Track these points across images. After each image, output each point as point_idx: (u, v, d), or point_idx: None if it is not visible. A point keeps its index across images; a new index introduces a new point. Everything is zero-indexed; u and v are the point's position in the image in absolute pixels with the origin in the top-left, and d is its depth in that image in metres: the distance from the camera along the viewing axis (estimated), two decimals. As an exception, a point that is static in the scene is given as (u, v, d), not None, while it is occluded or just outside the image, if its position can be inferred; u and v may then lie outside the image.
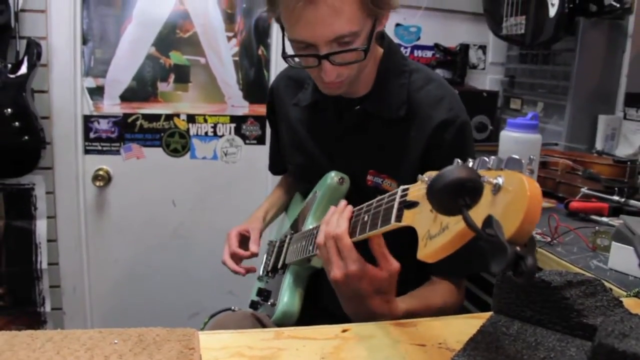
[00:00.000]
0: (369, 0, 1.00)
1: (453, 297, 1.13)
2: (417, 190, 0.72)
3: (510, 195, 0.52)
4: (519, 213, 0.50)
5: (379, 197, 0.86)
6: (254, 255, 1.37)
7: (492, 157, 0.58)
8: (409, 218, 0.72)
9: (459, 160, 0.63)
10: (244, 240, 1.40)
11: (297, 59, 1.11)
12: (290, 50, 1.09)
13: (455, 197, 0.54)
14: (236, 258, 1.37)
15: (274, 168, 1.60)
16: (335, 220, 0.93)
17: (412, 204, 0.72)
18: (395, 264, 0.89)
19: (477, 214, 0.54)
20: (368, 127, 1.19)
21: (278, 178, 1.64)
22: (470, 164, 0.60)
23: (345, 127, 1.22)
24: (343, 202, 0.98)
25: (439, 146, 1.12)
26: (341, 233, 0.90)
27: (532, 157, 0.55)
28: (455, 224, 0.59)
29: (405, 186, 0.77)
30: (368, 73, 1.17)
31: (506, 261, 0.49)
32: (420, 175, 0.71)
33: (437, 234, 0.62)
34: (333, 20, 0.98)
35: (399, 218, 0.75)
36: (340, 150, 1.23)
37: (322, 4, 0.96)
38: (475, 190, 0.54)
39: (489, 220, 0.52)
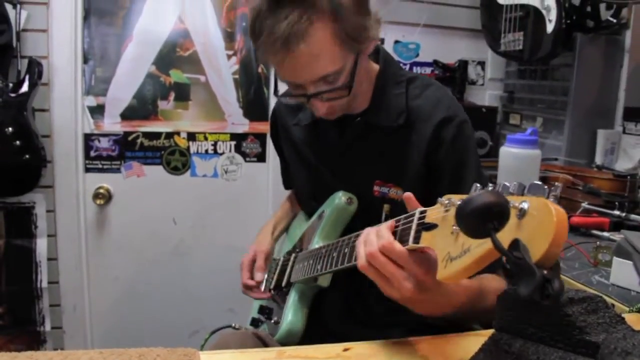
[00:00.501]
0: (348, 38, 1.01)
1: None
2: (435, 213, 0.73)
3: (536, 220, 0.54)
4: (547, 237, 0.52)
5: (396, 218, 0.84)
6: (259, 283, 1.38)
7: (514, 182, 0.61)
8: (427, 240, 0.73)
9: (478, 185, 0.65)
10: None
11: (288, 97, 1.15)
12: (282, 86, 1.14)
13: (484, 221, 0.55)
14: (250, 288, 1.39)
15: (286, 183, 1.59)
16: (374, 236, 0.83)
17: (431, 226, 0.72)
18: None
19: (503, 238, 0.55)
20: (370, 138, 1.19)
21: (279, 195, 1.64)
22: (490, 188, 0.61)
23: (347, 141, 1.22)
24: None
25: (439, 146, 1.12)
26: (388, 243, 0.79)
27: (556, 184, 0.58)
28: (477, 247, 0.60)
29: (423, 208, 0.77)
30: (365, 90, 1.19)
31: (535, 284, 0.50)
32: (440, 199, 0.71)
33: (458, 256, 0.63)
34: (314, 65, 1.01)
35: (416, 240, 0.75)
36: (345, 164, 1.24)
37: (300, 53, 0.98)
38: (503, 214, 0.56)
39: (515, 244, 0.54)
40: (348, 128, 1.21)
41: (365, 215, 1.16)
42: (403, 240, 0.78)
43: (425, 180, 1.14)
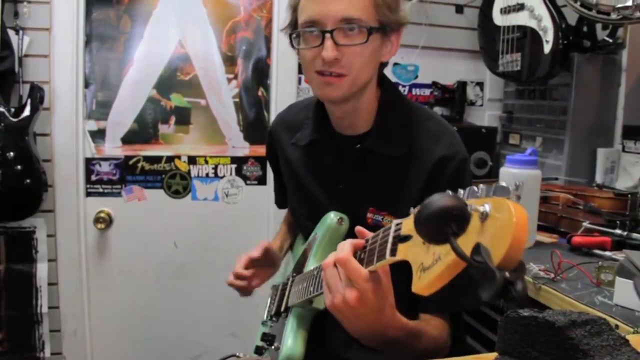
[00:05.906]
0: (383, 4, 1.06)
1: (444, 332, 1.10)
2: (409, 224, 0.72)
3: (498, 222, 0.53)
4: (506, 239, 0.51)
5: (374, 234, 0.85)
6: (257, 258, 1.38)
7: (481, 185, 0.59)
8: (403, 252, 0.72)
9: (450, 192, 0.63)
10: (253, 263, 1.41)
11: (301, 45, 1.12)
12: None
13: (442, 225, 0.54)
14: (240, 278, 1.38)
15: (278, 202, 1.59)
16: (339, 248, 0.88)
17: (406, 238, 0.72)
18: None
19: (467, 242, 0.54)
20: (368, 165, 1.19)
21: (279, 216, 1.64)
22: (460, 194, 0.60)
23: (345, 166, 1.22)
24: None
25: (437, 181, 1.12)
26: (343, 256, 0.85)
27: (517, 183, 0.56)
28: (447, 254, 0.59)
29: (399, 220, 0.77)
30: (368, 110, 1.19)
31: (495, 287, 0.49)
32: (412, 209, 0.70)
33: (431, 266, 0.62)
34: (344, 2, 1.05)
35: (393, 252, 0.75)
36: (340, 188, 1.23)
37: None
38: (462, 218, 0.55)
39: (477, 248, 0.52)
40: (346, 153, 1.21)
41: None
42: (380, 255, 0.79)
43: None
